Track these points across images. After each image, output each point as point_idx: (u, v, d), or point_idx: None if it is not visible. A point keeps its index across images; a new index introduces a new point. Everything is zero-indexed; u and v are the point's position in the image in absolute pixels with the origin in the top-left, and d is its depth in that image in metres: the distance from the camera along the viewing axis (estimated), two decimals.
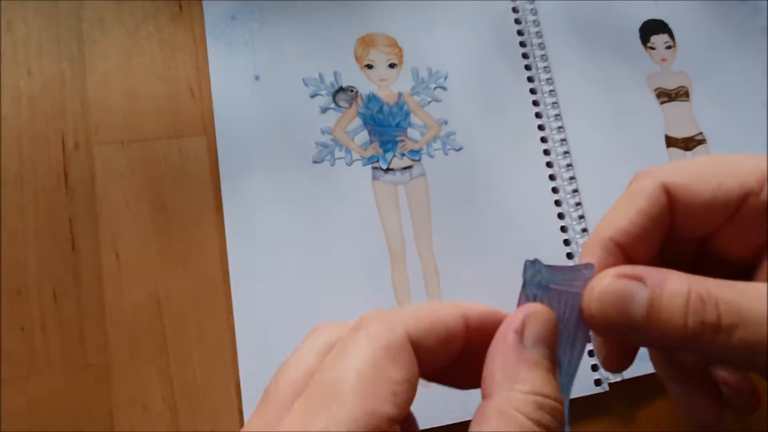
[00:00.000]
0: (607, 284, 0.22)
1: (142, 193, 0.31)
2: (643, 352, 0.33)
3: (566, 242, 0.35)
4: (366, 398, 0.17)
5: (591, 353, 0.33)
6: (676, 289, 0.21)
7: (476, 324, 0.21)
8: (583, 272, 0.23)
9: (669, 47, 0.41)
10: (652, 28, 0.41)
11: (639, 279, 0.22)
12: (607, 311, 0.22)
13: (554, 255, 0.35)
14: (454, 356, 0.21)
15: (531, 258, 0.21)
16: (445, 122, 0.35)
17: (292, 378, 0.19)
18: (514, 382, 0.19)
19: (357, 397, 0.17)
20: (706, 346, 0.21)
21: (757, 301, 0.20)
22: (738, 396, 0.27)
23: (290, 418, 0.18)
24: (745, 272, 0.24)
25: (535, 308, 0.21)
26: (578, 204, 0.35)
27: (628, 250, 0.24)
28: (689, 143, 0.39)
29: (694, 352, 0.22)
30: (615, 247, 0.24)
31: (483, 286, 0.33)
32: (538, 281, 0.22)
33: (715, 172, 0.24)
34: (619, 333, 0.22)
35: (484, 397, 0.20)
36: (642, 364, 0.33)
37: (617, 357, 0.26)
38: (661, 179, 0.24)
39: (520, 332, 0.20)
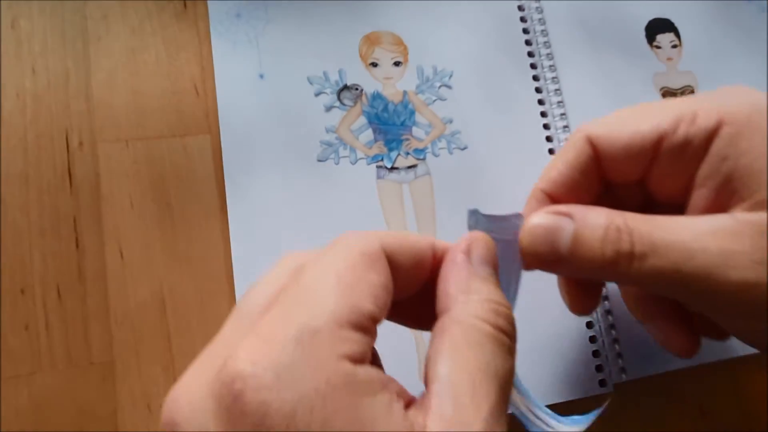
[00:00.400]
0: (538, 219, 0.24)
1: (147, 192, 0.31)
2: (648, 353, 0.33)
3: None
4: (347, 295, 0.18)
5: (595, 353, 0.33)
6: (595, 222, 0.23)
7: (442, 256, 0.22)
8: (514, 221, 0.25)
9: (675, 46, 0.40)
10: (657, 27, 0.41)
11: (567, 215, 0.23)
12: (538, 244, 0.24)
13: None
14: (423, 282, 0.22)
15: (472, 207, 0.24)
16: (450, 121, 0.35)
17: (265, 292, 0.19)
18: (469, 293, 0.20)
19: (338, 294, 0.18)
20: (623, 273, 0.22)
21: (670, 231, 0.22)
22: (710, 325, 0.28)
23: (269, 317, 0.18)
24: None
25: (477, 235, 0.22)
26: None
27: (559, 200, 0.26)
28: None
29: (615, 280, 0.24)
30: (546, 197, 0.26)
31: None
32: (478, 229, 0.23)
33: (633, 119, 0.25)
34: (549, 264, 0.24)
35: (439, 314, 0.20)
36: (647, 365, 0.33)
37: (581, 299, 0.28)
38: (585, 132, 0.26)
39: (468, 253, 0.21)
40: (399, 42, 0.36)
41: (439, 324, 0.20)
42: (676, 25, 0.41)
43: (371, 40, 0.36)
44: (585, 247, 0.23)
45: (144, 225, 0.31)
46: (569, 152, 0.26)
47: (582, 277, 0.27)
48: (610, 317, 0.33)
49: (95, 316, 0.29)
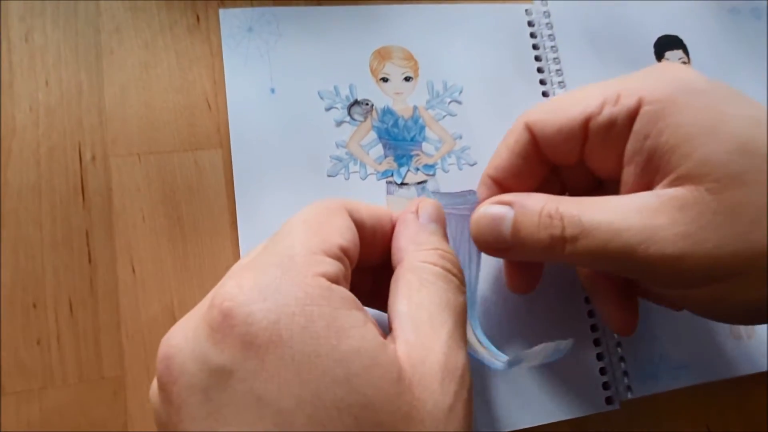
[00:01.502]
0: (483, 209, 0.26)
1: (158, 206, 0.31)
2: (654, 371, 0.33)
3: None
4: (315, 231, 0.21)
5: (602, 371, 0.33)
6: (531, 208, 0.24)
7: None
8: (468, 197, 0.27)
9: (683, 63, 0.41)
10: (666, 44, 0.41)
11: (508, 203, 0.25)
12: (484, 233, 0.26)
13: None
14: (386, 244, 0.24)
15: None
16: (460, 137, 0.35)
17: (247, 257, 0.22)
18: (418, 245, 0.23)
19: (308, 232, 0.20)
20: (559, 255, 0.24)
21: (598, 212, 0.23)
22: (664, 300, 0.29)
23: (250, 259, 0.21)
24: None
25: (425, 199, 0.26)
26: None
27: (504, 184, 0.28)
28: None
29: (555, 261, 0.26)
30: (492, 182, 0.28)
31: (496, 300, 0.33)
32: None
33: (565, 103, 0.26)
34: (497, 250, 0.26)
35: (395, 267, 0.23)
36: (653, 383, 0.33)
37: (519, 279, 0.30)
38: (525, 119, 0.27)
39: (416, 213, 0.25)
40: (409, 57, 0.36)
41: (395, 274, 0.22)
42: (685, 41, 0.41)
43: (382, 55, 0.36)
44: (523, 233, 0.24)
45: (155, 239, 0.31)
46: (510, 139, 0.28)
47: (528, 260, 0.29)
48: (616, 335, 0.34)
49: (107, 330, 0.29)
